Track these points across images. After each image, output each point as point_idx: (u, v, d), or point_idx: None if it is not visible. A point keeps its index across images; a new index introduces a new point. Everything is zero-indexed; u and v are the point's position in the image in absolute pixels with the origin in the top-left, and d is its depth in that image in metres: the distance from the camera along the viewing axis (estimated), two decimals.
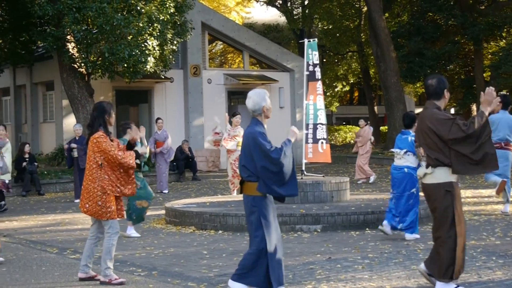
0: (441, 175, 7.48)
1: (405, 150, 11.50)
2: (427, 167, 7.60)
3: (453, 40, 36.32)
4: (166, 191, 20.69)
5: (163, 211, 14.95)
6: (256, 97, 7.56)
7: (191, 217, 13.50)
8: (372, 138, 22.47)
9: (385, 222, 11.60)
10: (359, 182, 21.89)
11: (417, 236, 11.52)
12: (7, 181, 16.16)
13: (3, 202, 17.23)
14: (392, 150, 11.94)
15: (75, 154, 18.97)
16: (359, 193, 17.37)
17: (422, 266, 7.82)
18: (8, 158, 15.78)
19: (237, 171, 16.69)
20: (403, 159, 11.53)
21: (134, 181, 8.93)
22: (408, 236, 11.50)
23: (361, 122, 22.58)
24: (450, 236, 7.43)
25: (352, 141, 44.28)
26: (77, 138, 19.19)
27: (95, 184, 8.57)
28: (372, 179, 21.83)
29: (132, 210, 12.56)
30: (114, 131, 27.94)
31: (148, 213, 13.33)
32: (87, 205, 8.65)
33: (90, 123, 8.82)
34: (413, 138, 11.27)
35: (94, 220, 8.91)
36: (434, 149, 7.48)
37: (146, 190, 12.64)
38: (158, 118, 21.82)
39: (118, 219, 8.79)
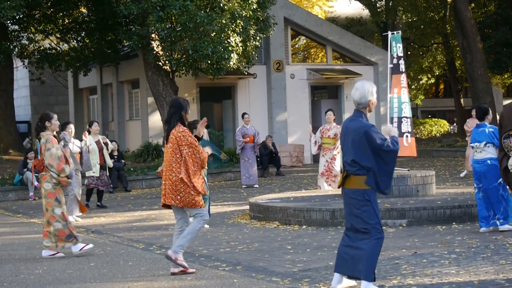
0: None
1: (484, 142, 11.33)
2: None
3: None
4: (256, 185, 20.92)
5: (247, 206, 15.00)
6: (363, 90, 7.49)
7: (275, 212, 13.51)
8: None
9: (482, 229, 11.44)
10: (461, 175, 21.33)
11: (511, 227, 11.30)
12: (95, 175, 16.50)
13: (99, 203, 17.53)
14: (471, 144, 11.71)
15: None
16: (445, 187, 17.07)
17: None
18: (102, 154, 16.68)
19: (332, 171, 16.63)
20: (484, 152, 11.37)
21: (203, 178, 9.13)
22: (501, 227, 11.30)
23: (474, 112, 21.96)
24: None
25: (438, 135, 43.62)
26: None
27: (185, 175, 8.68)
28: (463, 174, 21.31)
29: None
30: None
31: (232, 208, 13.42)
32: (179, 197, 8.71)
33: (167, 119, 8.96)
34: (490, 129, 11.30)
35: (181, 214, 8.98)
36: None
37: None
38: (245, 113, 22.15)
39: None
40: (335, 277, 7.65)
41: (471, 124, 21.39)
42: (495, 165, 11.08)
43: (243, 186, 21.06)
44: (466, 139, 22.10)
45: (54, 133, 10.74)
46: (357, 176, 7.36)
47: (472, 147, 11.63)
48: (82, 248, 10.57)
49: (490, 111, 11.71)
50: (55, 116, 10.74)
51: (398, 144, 7.34)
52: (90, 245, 10.70)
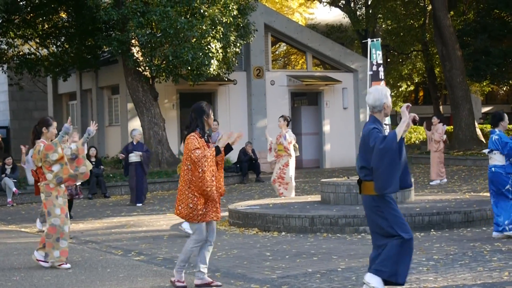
0: None
1: (489, 150, 11.45)
2: None
3: None
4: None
5: (226, 213, 14.99)
6: (377, 93, 7.40)
7: (254, 219, 13.51)
8: (445, 136, 21.85)
9: (494, 235, 11.54)
10: (433, 183, 21.32)
11: None
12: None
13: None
14: (484, 151, 11.86)
15: (136, 158, 19.12)
16: (424, 194, 17.14)
17: None
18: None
19: (284, 177, 16.55)
20: (492, 159, 11.54)
21: (221, 181, 8.57)
22: (507, 233, 11.43)
23: (435, 119, 21.96)
24: None
25: (417, 142, 43.80)
26: (134, 143, 19.28)
27: (186, 187, 8.37)
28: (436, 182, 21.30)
29: None
30: (177, 133, 28.15)
31: None
32: (180, 207, 8.41)
33: (188, 124, 8.63)
34: (496, 137, 11.38)
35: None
36: None
37: None
38: (214, 120, 21.97)
39: (214, 220, 8.54)
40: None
41: (434, 131, 21.35)
42: (500, 173, 11.30)
43: None
44: (429, 148, 22.03)
45: (49, 141, 10.20)
46: (367, 182, 7.33)
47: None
48: (41, 261, 10.11)
49: (506, 117, 11.67)
50: (54, 124, 10.29)
51: (390, 141, 7.07)
52: (47, 264, 10.10)
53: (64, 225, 10.11)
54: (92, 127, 10.21)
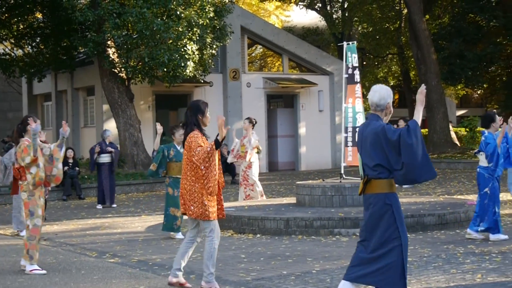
0: None
1: (476, 150, 11.63)
2: None
3: (495, 42, 35.88)
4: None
5: None
6: (383, 92, 7.20)
7: (229, 221, 13.50)
8: None
9: (468, 230, 11.70)
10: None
11: (503, 236, 11.51)
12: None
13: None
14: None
15: (107, 159, 19.07)
16: (398, 197, 17.19)
17: None
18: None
19: (248, 179, 16.53)
20: (480, 160, 11.63)
21: (221, 174, 8.49)
22: (491, 236, 11.51)
23: (401, 122, 21.93)
24: None
25: None
26: (107, 142, 19.21)
27: (197, 184, 8.28)
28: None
29: (165, 216, 12.69)
30: (153, 135, 28.08)
31: (186, 216, 13.32)
32: (192, 207, 8.28)
33: (185, 122, 8.55)
34: (483, 138, 11.50)
35: (194, 223, 8.54)
36: None
37: (171, 200, 12.72)
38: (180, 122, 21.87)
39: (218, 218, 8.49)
40: None
41: None
42: (483, 174, 11.48)
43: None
44: None
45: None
46: (379, 180, 7.09)
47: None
48: (33, 270, 9.86)
49: (497, 118, 11.71)
50: (38, 122, 10.14)
51: (415, 132, 6.84)
52: (44, 271, 9.86)
53: (42, 226, 10.07)
54: (64, 129, 10.12)
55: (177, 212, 12.61)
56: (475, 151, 11.83)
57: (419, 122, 6.97)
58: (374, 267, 6.97)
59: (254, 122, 17.01)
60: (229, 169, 25.28)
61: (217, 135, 8.23)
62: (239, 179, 16.83)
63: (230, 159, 17.41)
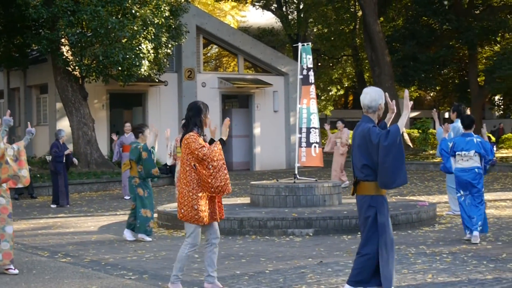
0: None
1: (473, 151, 11.61)
2: None
3: (447, 45, 36.38)
4: (126, 197, 20.12)
5: (155, 215, 14.91)
6: (374, 94, 7.31)
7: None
8: (350, 141, 21.75)
9: (475, 233, 11.58)
10: (344, 185, 21.37)
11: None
12: None
13: None
14: (458, 152, 11.83)
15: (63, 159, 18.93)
16: (351, 197, 17.33)
17: None
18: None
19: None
20: (471, 161, 11.65)
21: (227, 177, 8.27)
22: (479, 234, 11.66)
23: (339, 123, 21.79)
24: None
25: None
26: (61, 142, 19.01)
27: (189, 188, 8.17)
28: (346, 184, 21.34)
29: (137, 218, 12.47)
30: (107, 134, 27.90)
31: None
32: (183, 210, 8.21)
33: (186, 123, 8.36)
34: (478, 139, 11.59)
35: (205, 227, 8.42)
36: None
37: (151, 201, 12.61)
38: (126, 122, 21.70)
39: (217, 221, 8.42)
40: None
41: (341, 135, 21.31)
42: (481, 174, 11.60)
43: (125, 198, 20.33)
44: (330, 150, 21.58)
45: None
46: (366, 182, 7.25)
47: (455, 155, 11.79)
48: (8, 269, 9.66)
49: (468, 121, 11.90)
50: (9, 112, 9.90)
51: (393, 135, 7.02)
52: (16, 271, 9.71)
53: (6, 225, 9.70)
54: (31, 127, 9.94)
55: (149, 213, 12.51)
56: (472, 152, 11.62)
57: (402, 128, 7.13)
58: (356, 261, 7.41)
59: None
60: (172, 170, 25.14)
61: (219, 139, 8.27)
62: (175, 180, 16.39)
63: (170, 162, 17.11)
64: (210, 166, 8.05)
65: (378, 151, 7.07)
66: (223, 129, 8.33)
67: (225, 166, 8.20)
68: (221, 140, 8.24)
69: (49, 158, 19.15)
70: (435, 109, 14.89)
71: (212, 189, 8.10)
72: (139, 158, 12.40)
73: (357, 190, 7.39)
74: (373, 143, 7.10)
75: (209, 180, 8.06)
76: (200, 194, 8.13)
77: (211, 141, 8.33)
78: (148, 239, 12.52)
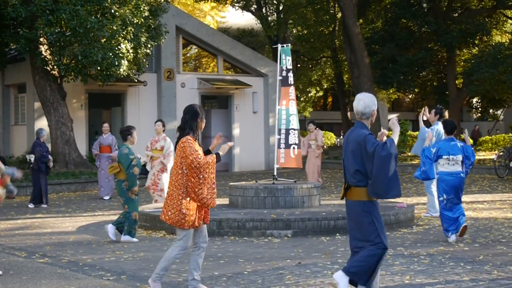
0: None
1: (461, 156, 11.73)
2: None
3: (426, 47, 36.56)
4: (107, 198, 20.31)
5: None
6: (367, 100, 7.32)
7: (161, 222, 13.42)
8: (323, 142, 21.70)
9: (453, 238, 11.85)
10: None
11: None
12: None
13: None
14: (445, 157, 11.84)
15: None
16: (330, 199, 17.41)
17: None
18: None
19: (158, 184, 15.88)
20: (457, 165, 11.78)
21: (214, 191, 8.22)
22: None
23: (311, 126, 21.74)
24: None
25: (325, 147, 44.34)
26: (42, 141, 18.89)
27: (180, 191, 8.07)
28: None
29: (127, 220, 12.38)
30: (86, 134, 27.80)
31: (117, 217, 13.24)
32: (169, 213, 8.10)
33: (182, 126, 8.27)
34: (460, 144, 11.78)
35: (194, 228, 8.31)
36: None
37: (137, 203, 12.55)
38: (104, 122, 21.62)
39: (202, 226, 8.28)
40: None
41: (317, 137, 21.30)
42: (463, 178, 11.77)
43: (104, 198, 20.36)
44: (317, 155, 21.39)
45: None
46: (358, 188, 7.25)
47: (439, 160, 11.85)
48: None
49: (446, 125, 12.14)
50: None
51: (390, 147, 7.07)
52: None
53: None
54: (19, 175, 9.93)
55: (137, 216, 12.48)
56: (458, 156, 11.77)
57: (396, 142, 7.22)
58: (353, 259, 7.32)
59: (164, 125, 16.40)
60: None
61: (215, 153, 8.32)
62: (148, 183, 16.07)
63: (148, 167, 16.89)
64: (201, 176, 8.02)
65: (373, 161, 7.11)
66: (224, 146, 8.40)
67: (214, 180, 8.18)
68: (217, 154, 8.25)
69: (30, 157, 19.00)
70: (423, 110, 15.32)
71: (197, 199, 8.06)
72: (128, 168, 12.25)
73: (347, 195, 7.38)
74: (368, 151, 7.14)
75: (196, 190, 8.03)
76: (189, 199, 8.08)
77: (207, 152, 8.33)
78: (135, 240, 12.48)
